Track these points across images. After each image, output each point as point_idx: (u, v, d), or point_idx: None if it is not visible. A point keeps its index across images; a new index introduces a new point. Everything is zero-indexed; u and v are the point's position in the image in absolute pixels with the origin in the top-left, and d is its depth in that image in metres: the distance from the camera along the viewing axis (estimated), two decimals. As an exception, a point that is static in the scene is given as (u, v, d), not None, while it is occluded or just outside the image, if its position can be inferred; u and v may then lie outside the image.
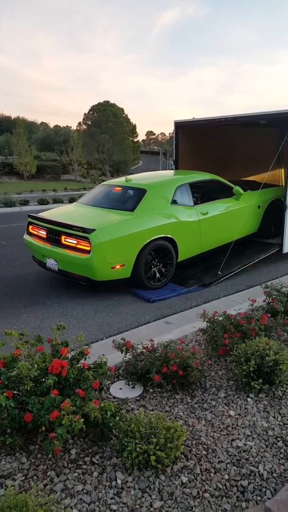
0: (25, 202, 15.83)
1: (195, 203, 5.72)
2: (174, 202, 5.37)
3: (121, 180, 6.03)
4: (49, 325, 4.07)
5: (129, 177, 6.01)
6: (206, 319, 3.41)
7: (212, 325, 3.35)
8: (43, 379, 2.32)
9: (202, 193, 6.35)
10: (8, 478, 1.97)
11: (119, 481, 1.94)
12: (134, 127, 50.79)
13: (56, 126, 63.91)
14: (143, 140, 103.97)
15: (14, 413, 2.11)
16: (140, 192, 5.28)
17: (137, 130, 53.01)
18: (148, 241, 4.83)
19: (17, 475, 1.99)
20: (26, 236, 5.47)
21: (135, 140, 52.90)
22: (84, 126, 44.12)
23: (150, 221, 4.93)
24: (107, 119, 41.25)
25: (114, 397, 2.68)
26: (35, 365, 2.38)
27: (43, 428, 2.12)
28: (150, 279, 5.04)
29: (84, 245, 4.52)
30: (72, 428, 1.98)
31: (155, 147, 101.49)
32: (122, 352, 2.99)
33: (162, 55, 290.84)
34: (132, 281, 4.92)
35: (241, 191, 6.20)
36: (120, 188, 5.71)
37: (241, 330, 3.23)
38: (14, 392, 2.24)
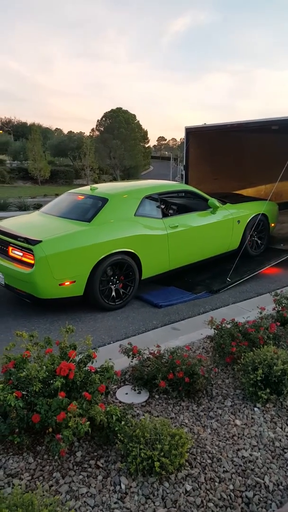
0: (38, 206, 15.99)
1: (165, 216, 5.33)
2: (139, 213, 4.91)
3: (86, 188, 5.60)
4: (58, 328, 4.10)
5: (95, 185, 5.62)
6: (214, 326, 3.40)
7: (219, 332, 3.34)
8: (51, 381, 2.35)
9: (175, 205, 6.08)
10: (15, 477, 1.99)
11: (123, 486, 1.95)
12: (146, 133, 51.11)
13: (70, 132, 64.63)
14: (154, 146, 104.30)
15: (23, 413, 2.13)
16: (100, 202, 4.86)
17: (149, 135, 53.40)
18: (104, 255, 4.39)
19: (24, 475, 2.01)
20: None
21: (146, 145, 53.18)
22: (97, 132, 44.55)
23: (108, 233, 4.49)
24: (119, 125, 41.58)
25: (120, 402, 2.68)
26: (44, 366, 2.41)
27: (50, 430, 2.14)
28: (107, 298, 4.57)
29: (28, 258, 4.15)
30: (78, 430, 1.99)
31: (166, 153, 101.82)
32: (129, 357, 3.00)
33: (173, 61, 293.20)
34: (86, 300, 4.49)
35: (217, 203, 5.75)
36: (82, 197, 5.25)
37: (249, 338, 3.22)
38: (23, 392, 2.26)
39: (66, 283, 4.22)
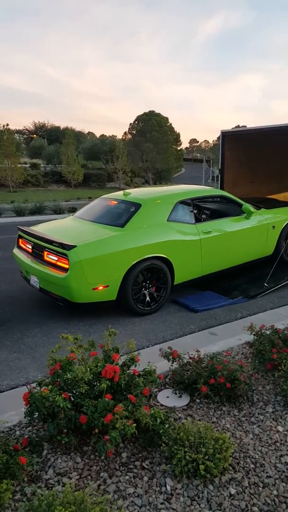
0: (73, 209, 16.38)
1: (198, 221, 5.32)
2: (172, 218, 4.93)
3: (119, 193, 5.65)
4: (97, 330, 4.24)
5: (128, 191, 5.63)
6: (253, 333, 3.40)
7: (259, 338, 3.34)
8: (96, 383, 2.44)
9: (208, 210, 6.01)
10: (64, 476, 2.09)
11: (168, 487, 2.01)
12: (178, 135, 51.05)
13: (102, 135, 65.63)
14: (186, 148, 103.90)
15: (71, 414, 2.24)
16: (134, 207, 4.90)
17: (181, 137, 53.29)
18: (137, 260, 4.42)
19: (72, 474, 2.11)
20: (15, 250, 5.22)
21: (179, 148, 53.12)
22: (129, 136, 44.99)
23: (141, 238, 4.52)
24: (151, 128, 41.85)
25: (162, 405, 2.75)
26: (88, 369, 2.51)
27: (96, 430, 2.23)
28: (140, 303, 4.61)
29: (63, 263, 4.22)
30: (125, 432, 2.07)
31: (198, 155, 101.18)
32: (169, 361, 3.06)
33: (206, 62, 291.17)
34: (118, 304, 4.53)
35: (251, 208, 5.71)
36: (116, 202, 5.34)
37: (289, 345, 3.20)
38: (69, 394, 2.37)
39: (100, 288, 4.28)
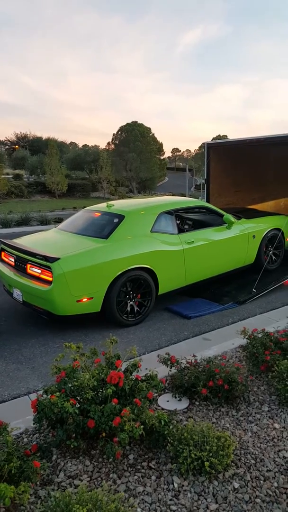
0: (60, 220, 16.38)
1: (181, 231, 5.39)
2: (155, 229, 4.99)
3: (102, 205, 5.68)
4: (93, 339, 4.33)
5: (111, 202, 5.69)
6: (247, 336, 3.56)
7: (252, 342, 3.50)
8: (100, 389, 2.54)
9: (190, 221, 6.13)
10: (75, 479, 2.18)
11: (175, 485, 2.12)
12: (161, 145, 51.73)
13: (85, 145, 65.89)
14: (168, 157, 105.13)
15: (79, 419, 2.33)
16: (117, 218, 4.94)
17: (163, 147, 53.98)
18: (121, 272, 4.45)
19: (83, 476, 2.20)
20: None
21: (162, 157, 53.75)
22: (112, 146, 45.33)
23: (125, 249, 4.55)
24: (135, 138, 42.31)
25: (162, 409, 2.85)
26: (91, 376, 2.60)
27: (104, 434, 2.33)
28: (124, 314, 4.64)
29: (46, 275, 4.19)
30: (133, 433, 2.18)
31: (181, 164, 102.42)
32: (167, 366, 3.17)
33: (186, 73, 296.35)
34: (103, 316, 4.56)
35: (232, 219, 5.80)
36: (99, 214, 5.35)
37: (281, 347, 3.36)
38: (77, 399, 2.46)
39: (84, 300, 4.28)
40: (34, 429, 2.63)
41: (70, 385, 2.49)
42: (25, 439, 2.55)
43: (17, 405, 3.03)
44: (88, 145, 70.46)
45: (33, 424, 2.41)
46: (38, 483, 2.14)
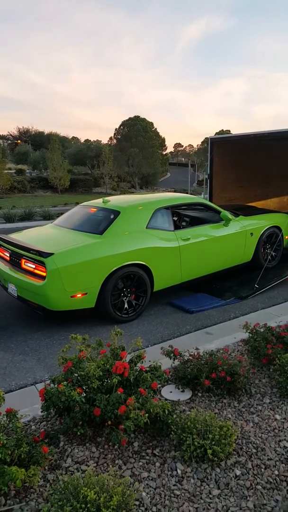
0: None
1: (177, 228, 5.37)
2: (151, 225, 4.97)
3: (98, 201, 5.67)
4: (97, 331, 4.41)
5: (107, 198, 5.68)
6: (249, 330, 3.62)
7: (254, 336, 3.56)
8: (105, 379, 2.61)
9: (187, 218, 6.13)
10: (82, 464, 2.25)
11: (179, 471, 2.19)
12: (163, 140, 51.62)
13: (87, 140, 65.74)
14: (171, 152, 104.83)
15: (85, 408, 2.40)
16: (113, 214, 4.93)
17: (166, 142, 53.93)
18: (116, 268, 4.44)
19: (90, 462, 2.27)
20: None
21: (164, 153, 53.67)
22: (115, 141, 45.24)
23: (119, 245, 4.54)
24: (137, 133, 42.17)
25: (166, 399, 2.92)
26: (97, 366, 2.67)
27: (109, 422, 2.40)
28: (118, 310, 4.63)
29: (40, 271, 4.20)
30: (138, 421, 2.25)
31: (183, 159, 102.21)
32: (170, 359, 3.24)
33: (189, 67, 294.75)
34: (97, 311, 4.56)
35: (230, 216, 5.79)
36: (95, 210, 5.34)
37: (283, 341, 3.43)
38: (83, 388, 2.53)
39: (78, 295, 4.28)
40: (41, 417, 2.71)
41: (76, 374, 2.56)
42: (33, 427, 2.62)
43: (24, 395, 3.11)
44: (90, 140, 70.35)
45: (41, 412, 2.48)
46: (46, 467, 2.22)
